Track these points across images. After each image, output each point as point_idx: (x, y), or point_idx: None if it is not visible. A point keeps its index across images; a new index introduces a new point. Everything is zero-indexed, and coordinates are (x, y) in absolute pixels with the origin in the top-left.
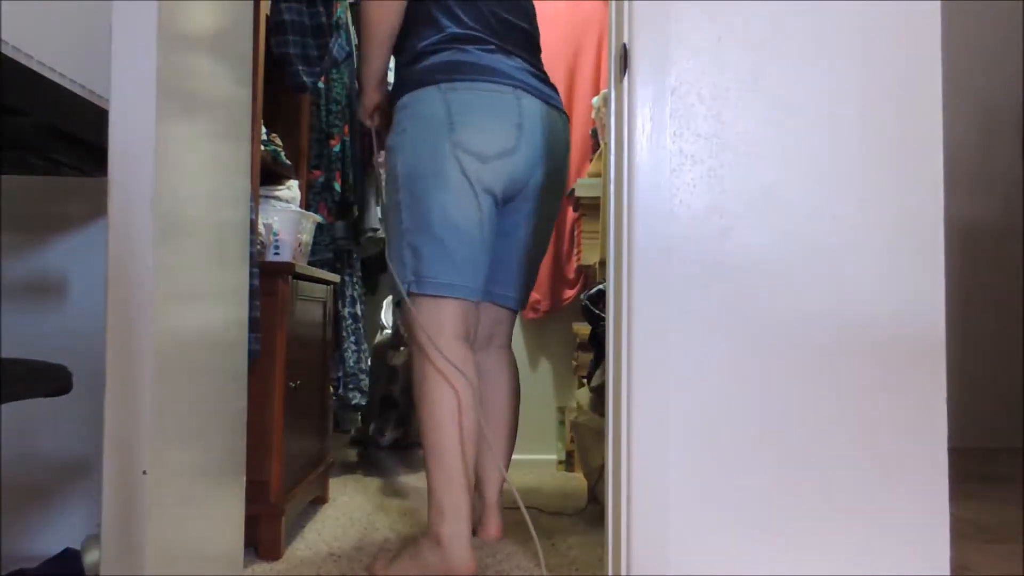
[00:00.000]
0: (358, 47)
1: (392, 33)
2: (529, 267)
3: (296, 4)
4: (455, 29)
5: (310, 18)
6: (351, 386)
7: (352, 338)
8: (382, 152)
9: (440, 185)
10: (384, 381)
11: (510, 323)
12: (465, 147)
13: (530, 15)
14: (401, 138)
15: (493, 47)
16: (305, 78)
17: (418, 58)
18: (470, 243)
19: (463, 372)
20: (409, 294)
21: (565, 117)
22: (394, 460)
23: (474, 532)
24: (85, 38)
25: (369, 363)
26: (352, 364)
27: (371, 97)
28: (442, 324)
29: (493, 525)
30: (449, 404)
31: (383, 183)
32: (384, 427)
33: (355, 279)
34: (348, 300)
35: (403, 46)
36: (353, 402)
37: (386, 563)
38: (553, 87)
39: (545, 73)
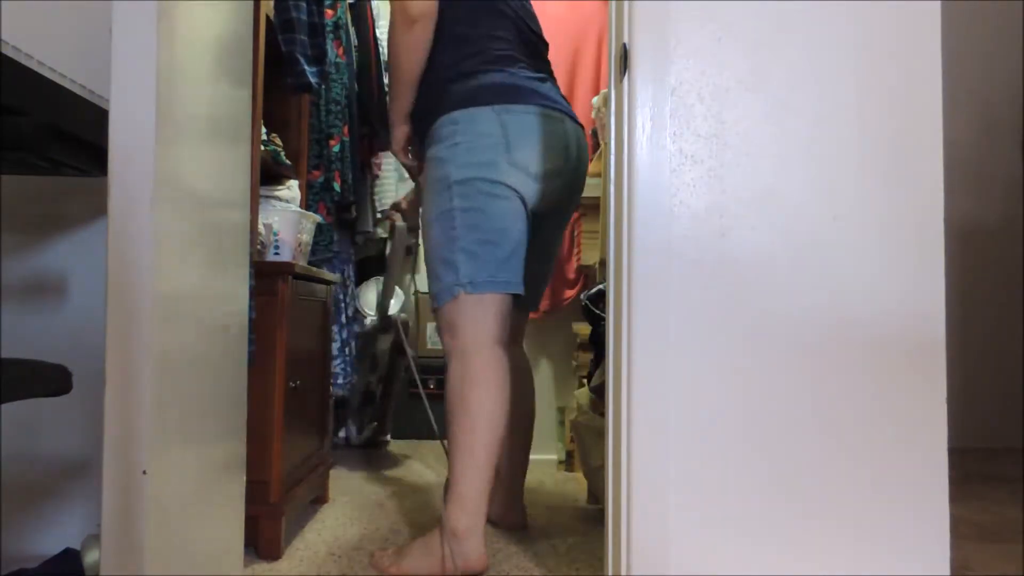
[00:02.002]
0: (357, 51)
1: (419, 72)
2: (549, 274)
3: (303, 2)
4: (493, 49)
5: (308, 16)
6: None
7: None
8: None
9: (495, 194)
10: (366, 372)
11: (524, 324)
12: (520, 165)
13: (537, 20)
14: (453, 151)
15: (525, 65)
16: (311, 78)
17: (463, 77)
18: (516, 244)
19: (500, 378)
20: (454, 297)
21: (582, 129)
22: (365, 458)
23: (493, 522)
24: (85, 38)
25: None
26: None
27: (401, 130)
28: (487, 323)
29: (515, 514)
30: (488, 409)
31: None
32: (361, 423)
33: (346, 279)
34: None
35: (435, 62)
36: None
37: (392, 559)
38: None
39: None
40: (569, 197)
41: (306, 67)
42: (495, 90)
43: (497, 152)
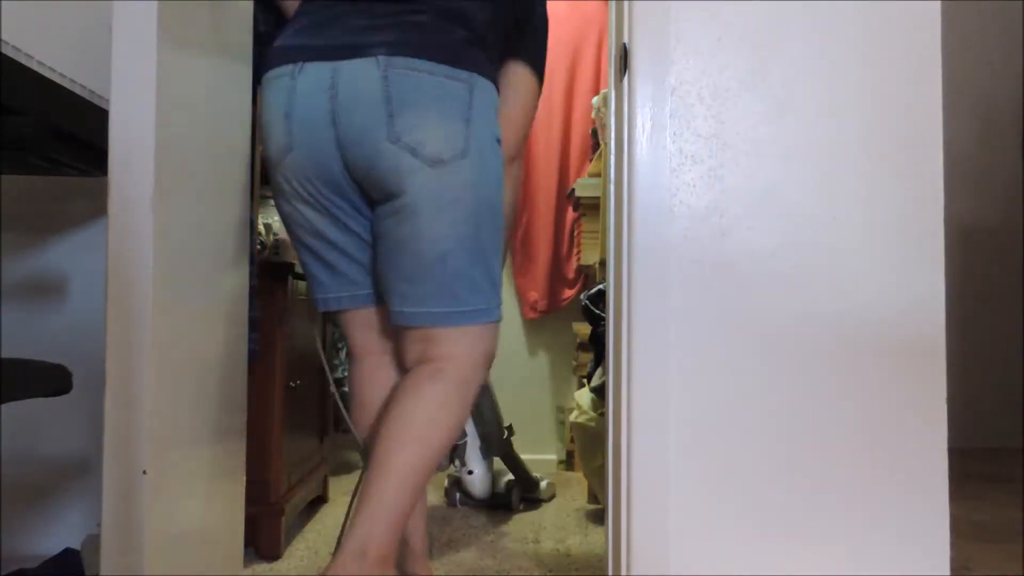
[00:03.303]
0: None
1: None
2: (415, 271)
3: None
4: None
5: None
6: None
7: None
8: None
9: None
10: None
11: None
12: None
13: None
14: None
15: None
16: (261, 28)
17: None
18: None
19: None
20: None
21: (396, 69)
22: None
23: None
24: (85, 38)
25: None
26: None
27: None
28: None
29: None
30: None
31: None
32: None
33: None
34: None
35: None
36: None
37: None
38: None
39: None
40: (360, 168)
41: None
42: None
43: None
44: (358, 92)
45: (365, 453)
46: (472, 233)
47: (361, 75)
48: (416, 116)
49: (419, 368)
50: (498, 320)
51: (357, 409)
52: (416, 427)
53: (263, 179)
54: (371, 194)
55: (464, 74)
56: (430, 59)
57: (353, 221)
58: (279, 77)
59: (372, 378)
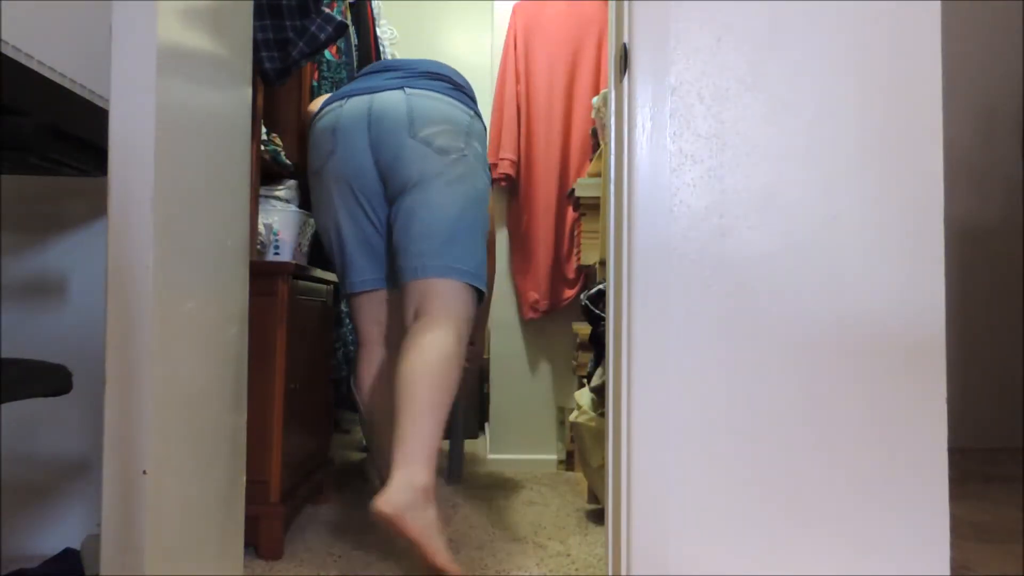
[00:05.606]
0: (357, 50)
1: None
2: (423, 231)
3: None
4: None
5: None
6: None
7: (351, 337)
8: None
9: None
10: None
11: (408, 299)
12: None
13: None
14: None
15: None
16: (267, 64)
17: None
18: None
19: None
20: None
21: (415, 92)
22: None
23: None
24: (85, 38)
25: None
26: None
27: None
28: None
29: None
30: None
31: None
32: None
33: None
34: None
35: None
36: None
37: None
38: (427, 77)
39: (428, 75)
40: (387, 163)
41: (263, 54)
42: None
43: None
44: (387, 108)
45: (363, 423)
46: (470, 213)
47: (390, 98)
48: (429, 122)
49: (420, 321)
50: (481, 291)
51: (360, 384)
52: (434, 368)
53: (263, 179)
54: (392, 185)
55: (467, 107)
56: (441, 92)
57: (380, 209)
58: (329, 111)
59: (375, 360)
